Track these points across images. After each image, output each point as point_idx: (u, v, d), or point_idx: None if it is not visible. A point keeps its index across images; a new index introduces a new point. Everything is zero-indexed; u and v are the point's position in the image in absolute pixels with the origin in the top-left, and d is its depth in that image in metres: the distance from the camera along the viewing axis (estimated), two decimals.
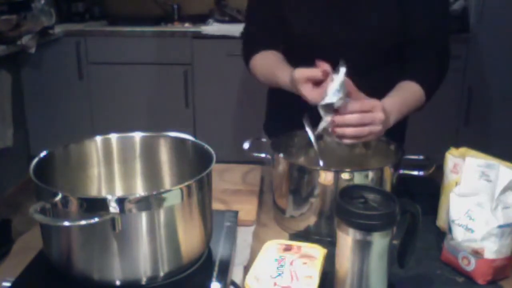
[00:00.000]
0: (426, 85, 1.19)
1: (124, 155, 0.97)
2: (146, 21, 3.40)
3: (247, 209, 1.09)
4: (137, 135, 0.97)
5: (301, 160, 1.17)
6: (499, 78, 3.04)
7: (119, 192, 0.97)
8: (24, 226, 1.00)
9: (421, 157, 1.10)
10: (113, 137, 0.96)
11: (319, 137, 1.11)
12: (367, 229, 0.75)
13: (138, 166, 0.98)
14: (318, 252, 0.86)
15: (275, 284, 0.77)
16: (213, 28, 3.16)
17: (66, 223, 0.71)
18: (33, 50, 2.87)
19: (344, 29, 1.23)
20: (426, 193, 1.16)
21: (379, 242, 0.76)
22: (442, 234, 1.00)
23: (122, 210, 0.71)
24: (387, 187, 1.01)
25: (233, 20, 3.34)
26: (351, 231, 0.76)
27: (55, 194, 0.72)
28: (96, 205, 0.71)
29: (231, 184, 1.24)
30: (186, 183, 0.77)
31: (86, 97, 3.28)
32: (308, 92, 1.01)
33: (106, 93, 3.27)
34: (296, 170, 1.02)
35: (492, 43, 2.99)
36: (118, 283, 0.76)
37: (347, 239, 0.77)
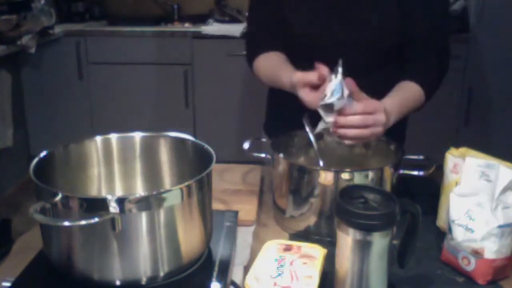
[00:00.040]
0: (426, 85, 1.19)
1: (124, 155, 0.97)
2: (146, 21, 3.40)
3: (247, 209, 1.09)
4: (137, 135, 0.97)
5: (301, 160, 1.17)
6: (499, 78, 3.04)
7: (119, 192, 0.97)
8: (24, 226, 1.00)
9: (421, 157, 1.10)
10: (113, 137, 0.96)
11: (319, 137, 1.11)
12: (367, 229, 0.75)
13: (138, 166, 0.98)
14: (318, 252, 0.86)
15: (275, 284, 0.77)
16: (213, 28, 3.16)
17: (66, 223, 0.71)
18: (33, 50, 2.87)
19: (344, 29, 1.23)
20: (426, 193, 1.16)
21: (379, 242, 0.76)
22: (442, 234, 1.00)
23: (122, 210, 0.71)
24: (387, 187, 1.01)
25: (233, 20, 3.34)
26: (351, 231, 0.76)
27: (55, 194, 0.72)
28: (96, 205, 0.71)
29: (231, 184, 1.24)
30: (186, 183, 0.77)
31: (86, 97, 3.28)
32: (306, 96, 1.02)
33: (106, 93, 3.27)
34: (296, 170, 1.02)
35: (492, 43, 2.99)
36: (118, 283, 0.76)
37: (347, 239, 0.77)
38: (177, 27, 3.39)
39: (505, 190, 0.86)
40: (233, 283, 0.84)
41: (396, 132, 1.10)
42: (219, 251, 0.87)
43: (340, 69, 0.95)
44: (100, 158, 0.95)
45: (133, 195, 0.74)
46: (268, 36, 1.31)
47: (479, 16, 2.96)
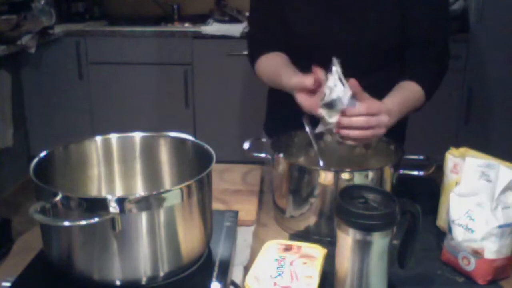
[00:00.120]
0: (426, 85, 1.19)
1: (124, 155, 0.97)
2: (146, 21, 3.39)
3: (247, 209, 1.09)
4: (137, 135, 0.97)
5: (301, 160, 1.17)
6: (499, 78, 3.04)
7: (119, 192, 0.97)
8: (24, 226, 1.00)
9: (421, 157, 1.10)
10: (113, 137, 0.96)
11: (319, 137, 1.11)
12: (367, 229, 0.75)
13: (138, 166, 0.98)
14: (318, 252, 0.86)
15: (275, 284, 0.77)
16: (213, 28, 3.16)
17: (66, 223, 0.71)
18: (33, 50, 2.87)
19: (344, 29, 1.23)
20: (426, 193, 1.16)
21: (379, 242, 0.76)
22: (442, 234, 1.00)
23: (122, 210, 0.71)
24: (387, 187, 1.01)
25: (233, 20, 3.34)
26: (351, 231, 0.76)
27: (55, 194, 0.72)
28: (96, 205, 0.71)
29: (231, 184, 1.24)
30: (186, 183, 0.77)
31: (86, 97, 3.28)
32: (303, 101, 1.03)
33: (106, 93, 3.27)
34: (296, 170, 1.02)
35: (492, 43, 2.99)
36: (118, 283, 0.76)
37: (347, 239, 0.77)
38: (177, 27, 3.39)
39: (505, 190, 0.86)
40: (233, 283, 0.84)
41: (396, 132, 1.10)
42: (219, 251, 0.87)
43: (334, 68, 0.95)
44: (100, 158, 0.95)
45: (133, 195, 0.74)
46: (269, 36, 1.31)
47: (479, 16, 2.96)
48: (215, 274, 0.80)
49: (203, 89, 3.24)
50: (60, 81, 3.24)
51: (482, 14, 2.95)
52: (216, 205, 0.99)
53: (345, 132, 0.98)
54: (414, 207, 0.80)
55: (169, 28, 3.34)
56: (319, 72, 0.98)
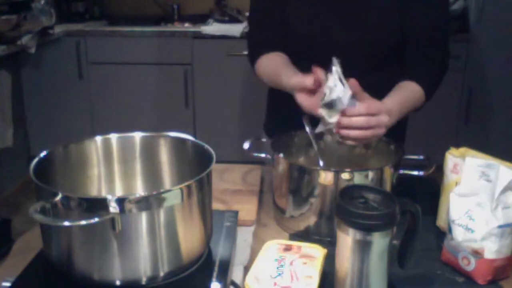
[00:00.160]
0: (426, 85, 1.19)
1: (124, 155, 0.97)
2: (146, 21, 3.39)
3: (247, 209, 1.09)
4: (137, 135, 0.97)
5: (301, 160, 1.17)
6: (499, 78, 3.04)
7: (119, 192, 0.97)
8: (24, 226, 1.00)
9: (421, 157, 1.10)
10: (113, 137, 0.96)
11: (319, 137, 1.11)
12: (367, 229, 0.75)
13: (138, 166, 0.98)
14: (318, 252, 0.86)
15: (275, 284, 0.77)
16: (213, 28, 3.16)
17: (66, 223, 0.71)
18: (33, 50, 2.87)
19: (345, 29, 1.23)
20: (426, 193, 1.16)
21: (379, 242, 0.76)
22: (442, 234, 1.00)
23: (122, 210, 0.71)
24: (387, 187, 1.01)
25: (233, 20, 3.34)
26: (351, 231, 0.76)
27: (55, 194, 0.72)
28: (96, 205, 0.71)
29: (231, 184, 1.24)
30: (186, 183, 0.77)
31: (86, 97, 3.28)
32: (303, 101, 1.03)
33: (106, 93, 3.27)
34: (296, 170, 1.02)
35: (492, 43, 2.99)
36: (118, 283, 0.76)
37: (347, 239, 0.77)
38: (177, 27, 3.39)
39: (505, 190, 0.86)
40: (233, 283, 0.84)
41: (396, 132, 1.10)
42: (219, 251, 0.87)
43: (334, 68, 0.95)
44: (100, 158, 0.95)
45: (133, 195, 0.74)
46: (269, 36, 1.31)
47: (479, 16, 2.96)
48: (215, 274, 0.80)
49: (203, 89, 3.24)
50: (60, 81, 3.24)
51: (482, 14, 2.95)
52: (216, 205, 0.99)
53: (345, 132, 0.98)
54: (414, 207, 0.80)
55: (169, 28, 3.34)
56: (319, 72, 0.98)
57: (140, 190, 0.98)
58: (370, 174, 0.99)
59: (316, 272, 0.80)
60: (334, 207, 0.96)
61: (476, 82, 3.06)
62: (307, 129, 1.07)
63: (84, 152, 0.94)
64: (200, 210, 0.81)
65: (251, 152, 1.11)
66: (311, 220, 1.02)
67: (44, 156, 0.85)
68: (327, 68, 0.97)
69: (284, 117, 1.23)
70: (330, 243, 0.88)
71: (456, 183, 0.97)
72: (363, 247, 0.76)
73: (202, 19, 3.43)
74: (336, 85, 0.94)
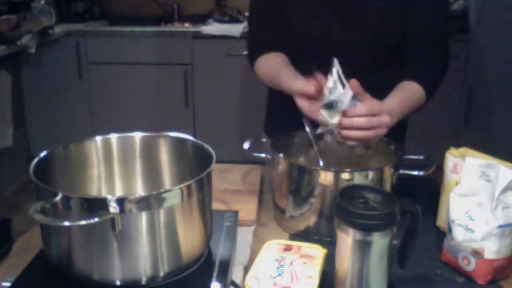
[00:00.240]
0: (427, 85, 1.19)
1: (124, 155, 0.97)
2: (146, 21, 3.40)
3: (247, 209, 1.09)
4: (137, 135, 0.97)
5: (301, 160, 1.17)
6: (499, 78, 3.04)
7: (119, 192, 0.97)
8: (24, 226, 1.00)
9: (421, 157, 1.10)
10: (113, 137, 0.96)
11: (319, 137, 1.11)
12: (367, 229, 0.75)
13: (138, 166, 0.98)
14: (318, 252, 0.86)
15: (275, 284, 0.77)
16: (213, 28, 3.16)
17: (66, 223, 0.71)
18: (33, 50, 2.87)
19: (345, 29, 1.23)
20: (426, 193, 1.16)
21: (379, 242, 0.76)
22: (442, 234, 1.00)
23: (122, 210, 0.71)
24: (387, 187, 1.01)
25: (233, 20, 3.34)
26: (351, 231, 0.76)
27: (55, 194, 0.72)
28: (96, 205, 0.71)
29: (231, 184, 1.24)
30: (186, 183, 0.77)
31: (86, 97, 3.28)
32: (303, 106, 1.03)
33: (106, 93, 3.27)
34: (296, 170, 1.02)
35: (492, 43, 2.99)
36: (118, 283, 0.76)
37: (347, 239, 0.77)
38: (177, 27, 3.39)
39: (505, 190, 0.86)
40: (233, 283, 0.84)
41: (396, 132, 1.10)
42: (219, 251, 0.87)
43: (334, 69, 0.95)
44: (100, 158, 0.95)
45: (133, 195, 0.74)
46: (269, 36, 1.31)
47: (479, 16, 2.96)
48: (215, 274, 0.80)
49: (203, 89, 3.24)
50: (60, 81, 3.24)
51: (482, 14, 2.95)
52: (216, 205, 0.99)
53: (346, 132, 0.98)
54: (414, 207, 0.80)
55: (169, 28, 3.34)
56: (320, 78, 0.98)
57: (140, 190, 0.98)
58: (370, 174, 0.99)
59: (316, 272, 0.80)
60: (334, 207, 0.96)
61: (476, 82, 3.06)
62: (307, 129, 1.07)
63: (84, 152, 0.94)
64: (200, 210, 0.81)
65: (251, 152, 1.11)
66: (311, 220, 1.01)
67: (44, 156, 0.85)
68: (327, 68, 0.97)
69: (284, 117, 1.23)
70: (330, 243, 0.88)
71: (456, 183, 0.97)
72: (363, 247, 0.76)
73: (202, 19, 3.43)
74: (336, 86, 0.94)
